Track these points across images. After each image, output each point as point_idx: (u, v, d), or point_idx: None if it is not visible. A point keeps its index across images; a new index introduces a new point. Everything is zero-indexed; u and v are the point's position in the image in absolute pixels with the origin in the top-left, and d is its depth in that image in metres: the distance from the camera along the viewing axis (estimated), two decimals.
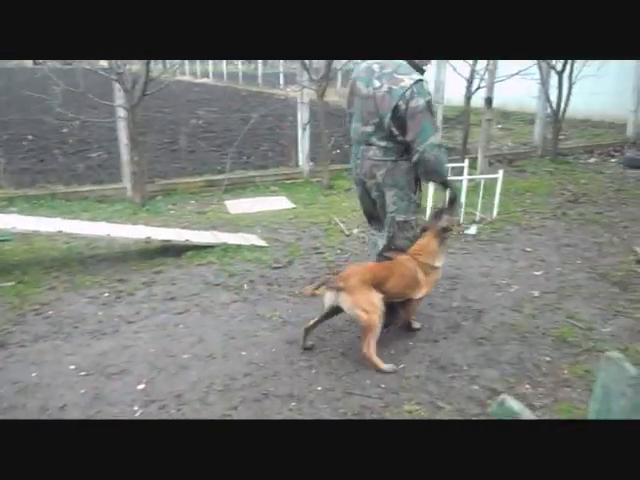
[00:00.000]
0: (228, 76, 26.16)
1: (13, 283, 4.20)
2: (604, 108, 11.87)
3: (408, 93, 3.00)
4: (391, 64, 3.12)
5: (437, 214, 3.47)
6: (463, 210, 5.65)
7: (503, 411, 1.01)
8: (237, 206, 6.42)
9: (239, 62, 27.26)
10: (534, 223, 5.73)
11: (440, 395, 2.86)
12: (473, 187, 5.96)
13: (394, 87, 3.04)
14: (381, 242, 3.46)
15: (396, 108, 3.04)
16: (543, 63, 8.56)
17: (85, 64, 6.59)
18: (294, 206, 6.41)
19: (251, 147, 9.50)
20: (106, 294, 4.07)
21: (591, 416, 1.10)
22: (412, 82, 3.01)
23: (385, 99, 3.08)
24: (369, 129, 3.21)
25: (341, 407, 2.76)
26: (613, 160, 9.01)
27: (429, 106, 3.05)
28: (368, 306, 3.02)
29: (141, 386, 2.95)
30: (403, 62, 3.12)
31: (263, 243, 5.08)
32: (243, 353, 3.28)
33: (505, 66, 7.33)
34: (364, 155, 3.29)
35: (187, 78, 27.16)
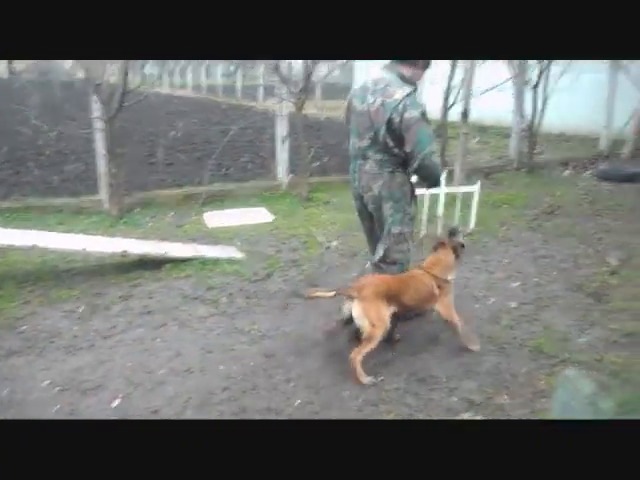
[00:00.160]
0: (207, 88, 26.14)
1: None
2: (578, 123, 12.10)
3: (401, 106, 3.12)
4: (384, 80, 3.26)
5: (453, 231, 3.61)
6: (441, 222, 5.69)
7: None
8: (216, 218, 6.39)
9: (218, 74, 27.29)
10: (511, 235, 5.80)
11: (419, 407, 2.87)
12: (450, 199, 6.01)
13: (387, 100, 3.17)
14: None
15: (390, 121, 3.15)
16: (518, 78, 8.73)
17: (62, 76, 6.53)
18: (273, 218, 6.40)
19: (230, 159, 9.47)
20: (82, 308, 4.01)
21: None
22: (404, 95, 3.13)
23: (379, 112, 3.19)
24: (365, 143, 3.33)
25: None
26: (587, 173, 9.17)
27: (423, 116, 3.17)
28: (376, 320, 3.08)
29: (117, 402, 2.91)
30: (395, 77, 3.25)
31: (242, 256, 5.05)
32: (221, 367, 3.25)
33: (481, 80, 7.45)
34: (361, 169, 3.40)
35: (166, 90, 27.06)
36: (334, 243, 5.47)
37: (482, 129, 13.17)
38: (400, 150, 3.23)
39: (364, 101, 3.31)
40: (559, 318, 3.86)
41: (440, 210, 5.59)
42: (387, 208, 3.37)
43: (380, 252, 3.49)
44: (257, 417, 2.77)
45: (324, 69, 11.87)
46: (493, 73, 8.28)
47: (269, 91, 10.22)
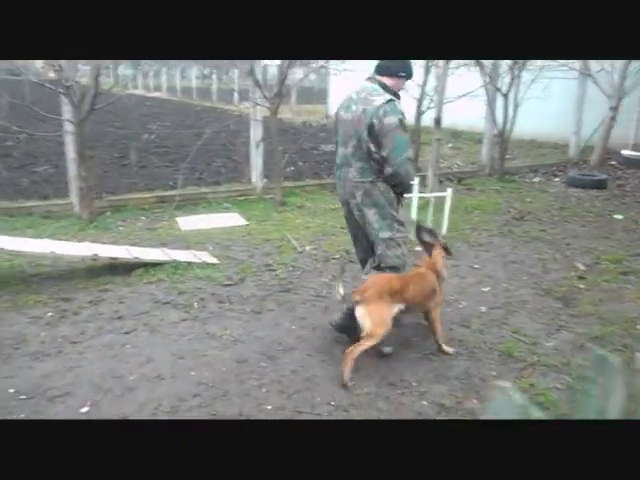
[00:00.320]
0: (182, 91, 25.97)
1: None
2: (549, 130, 12.36)
3: (381, 112, 3.25)
4: (366, 89, 3.40)
5: (432, 232, 3.67)
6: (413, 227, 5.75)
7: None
8: (189, 223, 6.34)
9: (193, 77, 27.14)
10: (482, 240, 5.88)
11: (390, 412, 2.88)
12: (423, 204, 6.08)
13: (367, 107, 3.31)
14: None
15: (371, 126, 3.27)
16: (490, 85, 8.88)
17: (32, 76, 6.41)
18: (247, 223, 6.38)
19: (204, 163, 9.41)
20: (50, 314, 3.93)
21: None
22: (384, 101, 3.27)
23: (361, 119, 3.33)
24: (349, 151, 3.45)
25: None
26: (556, 179, 9.37)
27: (402, 124, 3.29)
28: (378, 320, 3.15)
29: (85, 409, 2.86)
30: (377, 86, 3.39)
31: (214, 260, 5.02)
32: (192, 373, 3.22)
33: (454, 87, 7.56)
34: (346, 177, 3.51)
35: (139, 92, 26.81)
36: (308, 247, 5.48)
37: (455, 134, 13.36)
38: (380, 153, 3.33)
39: (348, 110, 3.45)
40: (528, 322, 3.93)
41: (413, 215, 5.64)
42: (371, 214, 3.45)
43: (375, 259, 3.57)
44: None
45: (300, 73, 11.87)
46: (466, 80, 8.40)
47: (244, 95, 10.19)
